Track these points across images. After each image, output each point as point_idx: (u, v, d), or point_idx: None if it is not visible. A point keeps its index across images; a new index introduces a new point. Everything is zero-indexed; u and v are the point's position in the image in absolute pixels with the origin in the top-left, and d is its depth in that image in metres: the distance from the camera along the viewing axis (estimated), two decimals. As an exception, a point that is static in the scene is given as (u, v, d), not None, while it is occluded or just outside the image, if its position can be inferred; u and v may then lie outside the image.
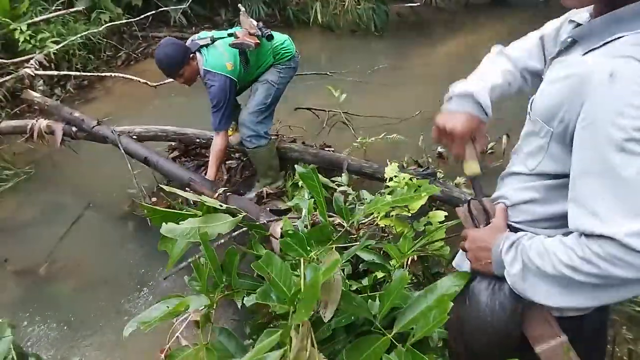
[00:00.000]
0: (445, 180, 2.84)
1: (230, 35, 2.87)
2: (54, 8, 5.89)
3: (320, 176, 2.87)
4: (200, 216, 1.23)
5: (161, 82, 4.56)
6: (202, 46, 2.84)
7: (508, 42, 1.24)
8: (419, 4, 7.05)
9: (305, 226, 1.52)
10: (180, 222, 1.16)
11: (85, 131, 3.55)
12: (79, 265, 2.94)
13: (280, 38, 3.07)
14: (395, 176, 1.78)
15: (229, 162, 3.63)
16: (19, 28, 5.23)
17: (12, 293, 2.81)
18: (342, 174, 2.39)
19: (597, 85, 0.77)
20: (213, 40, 2.85)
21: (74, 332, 2.49)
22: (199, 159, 3.70)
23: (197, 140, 3.55)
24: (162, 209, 1.21)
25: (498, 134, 3.44)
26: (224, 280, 1.18)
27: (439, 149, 3.48)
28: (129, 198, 3.49)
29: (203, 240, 1.12)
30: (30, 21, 5.49)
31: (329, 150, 3.37)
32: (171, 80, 4.50)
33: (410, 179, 1.77)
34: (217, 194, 2.75)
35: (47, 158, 4.04)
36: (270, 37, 2.90)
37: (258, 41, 2.80)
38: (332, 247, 1.18)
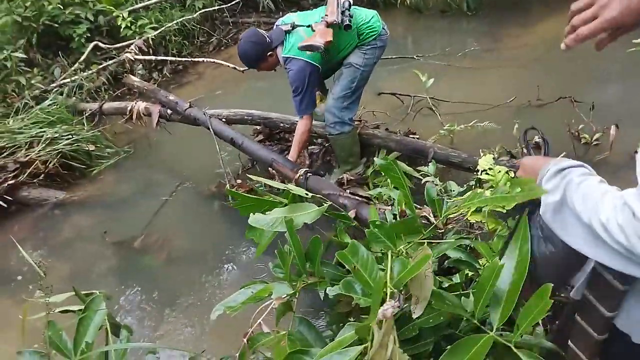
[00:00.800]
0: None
1: (308, 26, 2.78)
2: (153, -5, 6.23)
3: (404, 165, 2.80)
4: (285, 205, 1.22)
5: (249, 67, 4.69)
6: (285, 32, 2.82)
7: None
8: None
9: (395, 216, 1.46)
10: (266, 212, 1.15)
11: (179, 113, 3.74)
12: (170, 240, 3.11)
13: (365, 15, 2.92)
14: (490, 168, 1.65)
15: (311, 147, 3.63)
16: (121, 15, 5.61)
17: (109, 263, 3.05)
18: (429, 163, 2.28)
19: None
20: (294, 26, 2.82)
21: (163, 306, 2.64)
22: (283, 144, 3.74)
23: (281, 124, 3.58)
24: (247, 195, 1.21)
25: (605, 124, 3.10)
26: (307, 268, 1.16)
27: (536, 139, 3.20)
28: (217, 178, 3.62)
29: (289, 228, 1.11)
30: (131, 8, 5.87)
31: (413, 138, 3.24)
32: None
33: (507, 171, 1.62)
34: (298, 175, 2.77)
35: (144, 138, 4.31)
36: (347, 28, 2.75)
37: (330, 40, 2.65)
38: (424, 242, 1.11)
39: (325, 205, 1.21)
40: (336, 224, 1.42)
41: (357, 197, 2.45)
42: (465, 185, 2.30)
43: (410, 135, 3.29)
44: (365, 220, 1.95)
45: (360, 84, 3.00)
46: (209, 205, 3.42)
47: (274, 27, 2.94)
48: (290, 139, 3.72)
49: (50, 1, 5.28)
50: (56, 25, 5.34)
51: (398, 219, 1.45)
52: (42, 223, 3.56)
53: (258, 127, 3.83)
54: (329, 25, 2.69)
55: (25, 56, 5.10)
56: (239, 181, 3.56)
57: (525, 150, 1.13)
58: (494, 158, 1.79)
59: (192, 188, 3.64)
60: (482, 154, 1.84)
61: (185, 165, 3.96)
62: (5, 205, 3.59)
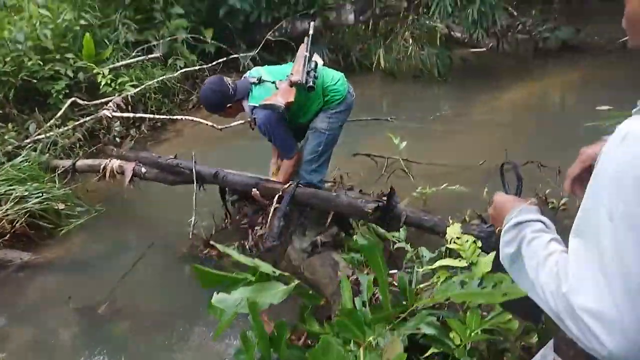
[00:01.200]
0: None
1: (273, 82, 2.83)
2: (134, 54, 6.36)
3: (378, 228, 2.81)
4: (250, 282, 1.20)
5: (227, 126, 4.76)
6: (252, 84, 2.86)
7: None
8: (484, 49, 6.93)
9: (364, 304, 1.43)
10: (231, 290, 1.13)
11: (158, 165, 3.75)
12: (137, 307, 3.00)
13: (332, 77, 2.96)
14: (458, 237, 1.67)
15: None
16: (101, 72, 5.67)
17: (73, 330, 2.91)
18: (400, 229, 2.30)
19: (610, 142, 0.73)
20: (260, 80, 2.85)
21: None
22: (257, 204, 3.72)
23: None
24: (210, 271, 1.19)
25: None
26: (271, 355, 1.12)
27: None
28: (189, 240, 3.56)
29: (252, 311, 1.08)
30: (112, 66, 5.95)
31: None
32: (236, 123, 4.72)
33: (475, 241, 1.65)
34: (288, 185, 2.95)
35: (117, 196, 4.24)
36: (311, 89, 2.76)
37: (291, 100, 2.67)
38: (393, 332, 1.09)
39: (292, 284, 1.20)
40: (302, 303, 1.40)
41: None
42: (436, 251, 2.33)
43: (383, 199, 3.32)
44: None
45: (327, 147, 3.03)
46: (179, 269, 3.34)
47: (243, 78, 2.97)
48: (265, 200, 3.72)
49: (31, 57, 5.33)
50: (35, 80, 5.36)
51: (367, 305, 1.43)
52: (5, 286, 3.40)
53: (233, 187, 3.82)
54: (292, 84, 2.71)
55: (0, 111, 5.07)
56: (211, 243, 3.51)
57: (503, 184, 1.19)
58: (460, 222, 1.82)
59: (163, 250, 3.56)
60: (450, 222, 1.87)
61: (158, 225, 3.90)
62: (-35, 267, 3.44)
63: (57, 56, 5.56)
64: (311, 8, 6.85)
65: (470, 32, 5.92)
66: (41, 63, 5.38)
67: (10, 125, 5.12)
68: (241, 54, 7.08)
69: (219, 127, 4.81)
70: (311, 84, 2.73)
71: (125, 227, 3.96)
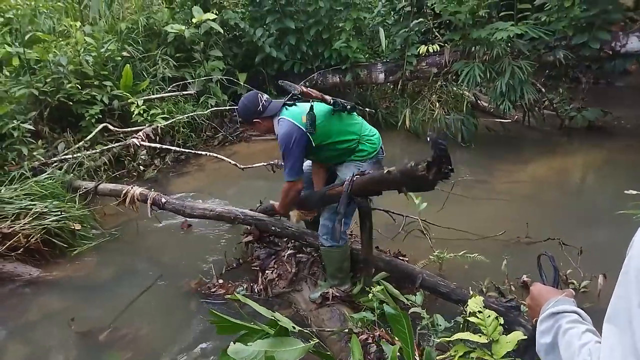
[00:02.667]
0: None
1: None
2: (169, 89, 6.59)
3: (391, 287, 2.75)
4: (267, 335, 1.16)
5: (249, 166, 4.82)
6: (284, 105, 2.92)
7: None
8: (510, 120, 7.01)
9: None
10: (247, 341, 1.10)
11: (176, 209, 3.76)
12: (138, 338, 2.94)
13: (369, 129, 3.03)
14: (480, 311, 1.62)
15: (299, 255, 3.59)
16: (136, 102, 5.86)
17: (69, 353, 2.85)
18: (417, 293, 2.24)
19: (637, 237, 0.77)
20: (294, 103, 2.93)
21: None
22: (271, 247, 3.70)
23: (273, 228, 3.57)
24: (230, 318, 1.16)
25: (593, 271, 3.12)
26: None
27: (524, 278, 3.21)
28: (198, 274, 3.53)
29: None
30: (146, 97, 6.16)
31: (403, 260, 3.23)
32: (259, 165, 4.78)
33: (497, 317, 1.59)
34: (344, 183, 2.68)
35: (133, 223, 4.26)
36: (343, 110, 2.87)
37: (327, 99, 2.78)
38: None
39: (311, 342, 1.16)
40: None
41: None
42: (453, 320, 2.25)
43: (400, 257, 3.28)
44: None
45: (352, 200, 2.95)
46: (185, 303, 3.28)
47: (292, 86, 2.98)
48: (279, 243, 3.70)
49: (70, 80, 5.55)
50: (71, 102, 5.55)
51: None
52: (10, 300, 3.38)
53: (249, 228, 3.82)
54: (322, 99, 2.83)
55: (33, 128, 5.22)
56: (220, 281, 3.47)
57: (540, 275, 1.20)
58: (483, 300, 1.77)
59: (172, 282, 3.52)
60: (472, 292, 1.81)
61: (169, 257, 3.88)
62: (-26, 277, 3.44)
63: (96, 82, 5.79)
64: (343, 64, 7.07)
65: (497, 103, 6.02)
66: (79, 87, 5.59)
67: (40, 142, 5.26)
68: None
69: (241, 166, 4.87)
70: (343, 107, 2.86)
71: (136, 255, 3.95)
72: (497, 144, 6.47)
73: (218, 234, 4.13)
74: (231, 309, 3.17)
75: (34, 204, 3.95)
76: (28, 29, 5.93)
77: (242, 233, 3.80)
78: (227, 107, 6.78)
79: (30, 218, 3.81)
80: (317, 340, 1.21)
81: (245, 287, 3.39)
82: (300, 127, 2.79)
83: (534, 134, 6.84)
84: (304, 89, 2.79)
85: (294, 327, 1.19)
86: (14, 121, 5.01)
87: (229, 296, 3.21)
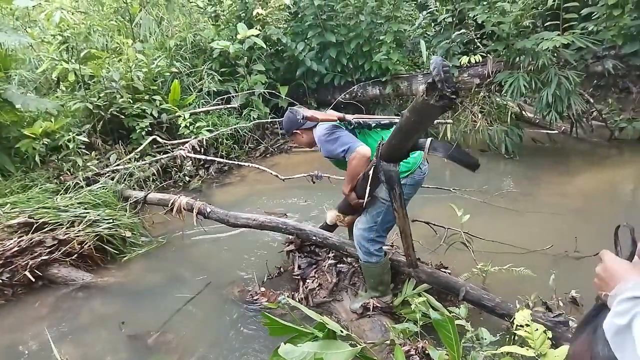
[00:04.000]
0: (579, 332, 2.48)
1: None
2: (214, 102, 6.82)
3: (433, 299, 2.73)
4: (316, 338, 1.19)
5: (290, 177, 4.90)
6: None
7: None
8: (556, 131, 6.80)
9: None
10: (297, 343, 1.13)
11: (221, 219, 3.88)
12: (185, 343, 3.03)
13: None
14: (527, 324, 1.59)
15: (340, 265, 3.61)
16: (183, 115, 6.10)
17: (119, 356, 2.96)
18: (461, 305, 2.22)
19: None
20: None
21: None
22: (311, 256, 3.74)
23: (314, 237, 3.60)
24: (281, 321, 1.20)
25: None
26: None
27: (573, 293, 3.10)
28: (241, 282, 3.61)
29: (318, 367, 1.08)
30: (192, 111, 6.39)
31: (445, 272, 3.19)
32: (299, 176, 4.86)
33: (545, 331, 1.56)
34: None
35: (179, 232, 4.42)
36: (360, 127, 2.85)
37: (334, 118, 2.81)
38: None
39: (359, 347, 1.18)
40: None
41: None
42: (498, 335, 2.21)
43: (442, 269, 3.24)
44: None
45: (387, 218, 2.88)
46: (229, 311, 3.35)
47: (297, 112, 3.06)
48: (320, 253, 3.73)
49: (122, 95, 5.84)
50: (122, 116, 5.84)
51: None
52: (64, 304, 3.56)
53: (290, 237, 3.87)
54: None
55: (87, 140, 5.52)
56: (262, 289, 3.53)
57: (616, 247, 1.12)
58: (530, 313, 1.74)
59: (215, 289, 3.61)
60: (518, 306, 1.78)
61: (213, 265, 3.98)
62: (33, 280, 3.64)
63: (146, 97, 6.07)
64: (383, 76, 7.09)
65: (543, 113, 5.87)
66: (131, 101, 5.88)
67: (93, 154, 5.55)
68: (311, 112, 7.38)
69: (282, 177, 4.95)
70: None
71: (183, 262, 4.07)
72: (543, 155, 6.29)
73: (260, 243, 4.21)
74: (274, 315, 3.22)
75: (88, 212, 4.17)
76: (83, 46, 6.30)
77: (284, 242, 3.86)
78: (269, 120, 6.93)
79: (84, 225, 4.03)
80: (365, 345, 1.23)
81: (286, 295, 3.43)
82: (332, 124, 2.84)
83: (582, 146, 6.61)
84: (308, 114, 2.81)
85: (341, 331, 1.22)
86: (70, 134, 5.31)
87: (267, 303, 3.29)
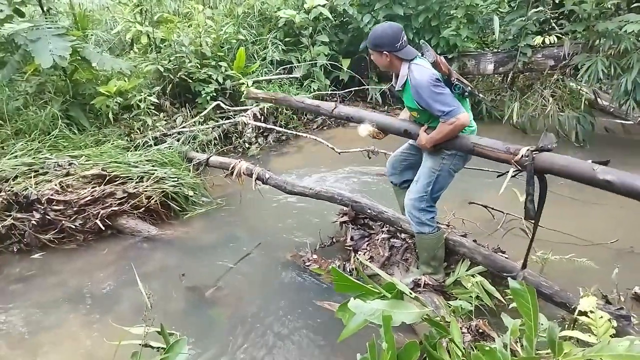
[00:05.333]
0: (641, 329, 2.38)
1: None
2: (276, 72, 6.88)
3: (486, 282, 2.69)
4: (386, 298, 1.22)
5: (346, 150, 4.91)
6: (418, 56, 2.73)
7: None
8: (632, 122, 6.37)
9: (505, 346, 1.36)
10: (365, 300, 1.17)
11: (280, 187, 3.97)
12: (239, 299, 3.18)
13: (471, 122, 2.79)
14: (592, 312, 1.55)
15: (393, 240, 3.62)
16: (246, 83, 6.21)
17: (178, 305, 3.16)
18: (519, 288, 2.17)
19: None
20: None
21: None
22: (365, 229, 3.77)
23: (369, 210, 3.63)
24: (350, 278, 1.24)
25: None
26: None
27: (636, 289, 2.96)
28: (293, 247, 3.72)
29: (385, 324, 1.11)
30: (256, 79, 6.49)
31: (503, 256, 3.13)
32: (355, 150, 4.85)
33: (610, 320, 1.52)
34: (520, 155, 2.46)
35: (237, 195, 4.58)
36: (461, 94, 2.68)
37: (452, 76, 2.62)
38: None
39: (426, 309, 1.21)
40: (430, 333, 1.36)
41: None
42: (555, 321, 2.16)
43: (499, 253, 3.18)
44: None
45: (436, 188, 2.89)
46: (281, 273, 3.48)
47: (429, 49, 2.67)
48: (373, 226, 3.76)
49: (191, 60, 6.01)
50: (190, 80, 6.02)
51: (509, 349, 1.34)
52: (130, 252, 3.81)
53: (345, 208, 3.92)
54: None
55: (157, 101, 5.75)
56: (314, 256, 3.62)
57: None
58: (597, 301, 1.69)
59: (269, 252, 3.74)
60: (582, 293, 1.74)
61: (267, 229, 4.11)
62: (103, 228, 3.91)
63: (212, 62, 6.21)
64: (450, 52, 6.87)
65: (620, 102, 5.50)
66: (199, 66, 6.04)
67: (162, 115, 5.78)
68: (371, 86, 7.32)
69: (338, 150, 4.97)
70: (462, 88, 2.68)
71: (239, 224, 4.23)
72: (615, 146, 5.93)
73: (315, 211, 4.28)
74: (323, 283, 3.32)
75: (155, 170, 4.39)
76: (156, 10, 6.50)
77: (338, 213, 3.91)
78: (329, 92, 6.92)
79: (152, 181, 4.26)
80: (432, 309, 1.25)
81: (337, 264, 3.51)
82: (436, 73, 2.63)
83: (659, 139, 6.17)
84: (438, 59, 2.56)
85: (410, 293, 1.25)
86: (141, 94, 5.55)
87: (315, 268, 3.36)
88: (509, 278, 1.35)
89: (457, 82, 2.67)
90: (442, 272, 3.15)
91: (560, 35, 6.07)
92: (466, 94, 2.75)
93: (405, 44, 2.73)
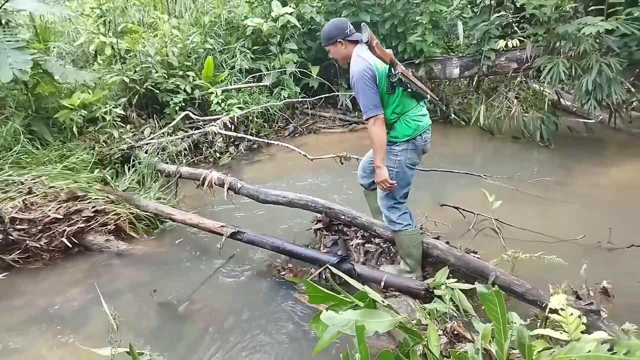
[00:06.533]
0: (610, 322, 2.44)
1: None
2: (245, 80, 6.85)
3: (461, 284, 2.72)
4: (356, 306, 1.21)
5: (318, 157, 4.91)
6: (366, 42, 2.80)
7: None
8: (594, 121, 6.60)
9: (477, 351, 1.37)
10: (338, 310, 1.16)
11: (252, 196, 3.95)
12: (213, 312, 3.11)
13: (413, 105, 2.92)
14: (562, 309, 1.58)
15: (368, 245, 3.63)
16: (215, 92, 6.15)
17: (150, 322, 3.07)
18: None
19: None
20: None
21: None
22: (339, 235, 3.77)
23: (342, 216, 3.63)
24: (322, 289, 1.23)
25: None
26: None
27: (605, 284, 3.04)
28: (269, 257, 3.67)
29: (358, 334, 1.10)
30: (224, 88, 6.44)
31: (475, 257, 3.17)
32: (327, 156, 4.85)
33: (580, 316, 1.55)
34: None
35: (209, 205, 4.50)
36: (405, 89, 2.82)
37: (394, 64, 2.73)
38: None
39: (399, 317, 1.20)
40: (404, 340, 1.36)
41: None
42: (528, 319, 2.20)
43: (472, 254, 3.22)
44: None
45: (399, 185, 2.98)
46: (257, 284, 3.43)
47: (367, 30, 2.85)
48: (347, 232, 3.76)
49: (157, 70, 5.92)
50: (157, 91, 5.93)
51: (481, 354, 1.35)
52: (98, 269, 3.69)
53: (318, 215, 3.90)
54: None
55: (123, 113, 5.63)
56: (290, 265, 3.59)
57: None
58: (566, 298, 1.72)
59: (244, 262, 3.69)
60: (552, 291, 1.77)
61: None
62: (69, 246, 3.78)
63: (180, 72, 6.13)
64: (417, 58, 6.98)
65: (582, 101, 5.68)
66: (166, 76, 5.95)
67: (128, 127, 5.66)
68: (341, 93, 7.36)
69: (311, 157, 4.96)
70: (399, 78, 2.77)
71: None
72: (578, 145, 6.12)
73: (289, 218, 4.25)
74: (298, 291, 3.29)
75: (123, 184, 4.28)
76: (120, 20, 6.38)
77: (312, 221, 3.89)
78: (299, 100, 6.92)
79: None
80: (405, 316, 1.24)
81: (313, 271, 3.48)
82: (374, 70, 2.77)
83: (620, 136, 6.40)
84: (373, 42, 2.66)
85: (382, 301, 1.24)
86: (106, 106, 5.42)
87: (290, 278, 3.33)
88: (476, 283, 1.37)
89: (399, 75, 2.76)
90: (419, 272, 3.17)
91: (522, 39, 6.25)
92: (409, 90, 2.85)
93: (354, 31, 2.94)
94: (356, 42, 2.91)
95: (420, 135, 2.94)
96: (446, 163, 5.19)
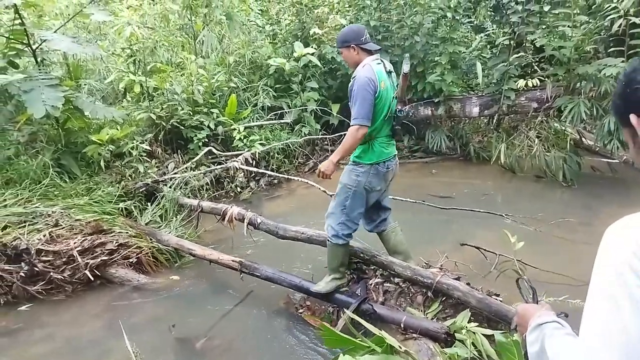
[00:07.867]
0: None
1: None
2: (267, 117, 7.01)
3: (482, 329, 2.65)
4: (372, 350, 1.21)
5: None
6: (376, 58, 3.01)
7: None
8: (617, 161, 6.50)
9: None
10: (355, 355, 1.15)
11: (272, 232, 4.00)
12: (231, 350, 3.10)
13: (385, 133, 3.10)
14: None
15: (387, 284, 3.58)
16: (237, 129, 6.30)
17: (168, 359, 3.06)
18: (514, 334, 2.15)
19: None
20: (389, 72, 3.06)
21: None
22: (357, 274, 3.74)
23: (361, 254, 3.61)
24: (339, 333, 1.23)
25: None
26: None
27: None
28: (286, 293, 3.66)
29: (377, 378, 1.09)
30: (247, 124, 6.59)
31: (497, 299, 3.10)
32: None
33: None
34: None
35: (229, 240, 4.54)
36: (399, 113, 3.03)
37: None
38: None
39: (418, 363, 1.19)
40: None
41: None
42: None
43: (493, 296, 3.15)
44: None
45: (355, 205, 3.07)
46: (274, 321, 3.41)
47: (377, 50, 3.08)
48: (367, 271, 3.73)
49: (183, 107, 6.12)
50: (182, 127, 6.10)
51: None
52: (118, 302, 3.72)
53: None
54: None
55: (149, 148, 5.79)
56: (307, 303, 3.56)
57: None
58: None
59: (262, 299, 3.68)
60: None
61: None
62: (92, 279, 3.84)
63: (204, 109, 6.32)
64: (436, 96, 7.06)
65: (604, 142, 5.63)
66: (191, 113, 6.14)
67: (153, 162, 5.81)
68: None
69: (330, 193, 5.00)
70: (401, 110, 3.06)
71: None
72: (602, 185, 6.02)
73: (307, 254, 4.25)
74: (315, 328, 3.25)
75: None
76: (149, 60, 6.66)
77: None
78: (320, 137, 7.03)
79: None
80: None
81: (330, 309, 3.45)
82: (378, 84, 2.87)
83: (646, 177, 6.28)
84: (404, 77, 2.95)
85: (400, 347, 1.23)
86: (133, 141, 5.59)
87: (307, 316, 3.32)
88: (495, 332, 1.39)
89: (406, 110, 3.02)
90: (346, 278, 3.41)
91: (542, 78, 6.28)
92: (402, 116, 3.06)
93: (369, 40, 3.04)
94: (369, 52, 3.02)
95: (383, 162, 3.07)
96: (467, 201, 5.16)
